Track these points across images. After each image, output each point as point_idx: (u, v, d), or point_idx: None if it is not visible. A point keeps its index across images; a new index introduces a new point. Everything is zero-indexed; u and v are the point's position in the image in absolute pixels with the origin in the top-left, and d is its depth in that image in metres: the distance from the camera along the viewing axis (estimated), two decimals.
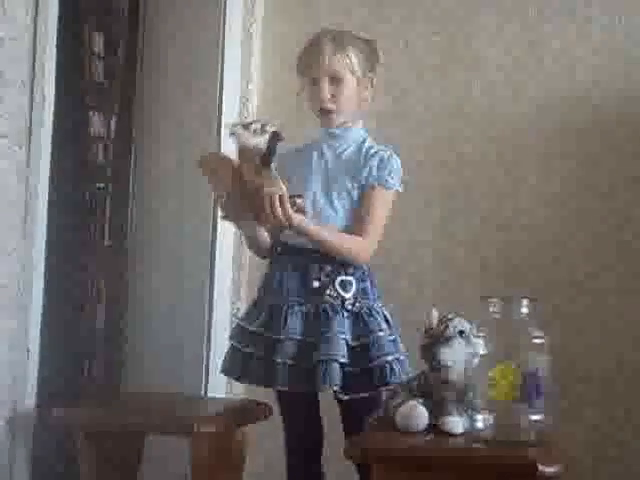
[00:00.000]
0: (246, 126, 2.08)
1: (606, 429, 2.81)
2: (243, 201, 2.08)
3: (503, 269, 2.88)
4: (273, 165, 2.06)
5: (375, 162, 2.18)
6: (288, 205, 2.05)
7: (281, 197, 2.04)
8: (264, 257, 2.28)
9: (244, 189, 2.07)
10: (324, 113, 2.21)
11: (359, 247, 2.16)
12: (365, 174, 2.17)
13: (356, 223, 2.17)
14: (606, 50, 2.87)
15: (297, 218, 2.08)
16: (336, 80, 2.18)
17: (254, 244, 2.25)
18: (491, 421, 1.83)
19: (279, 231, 2.20)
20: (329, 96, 2.19)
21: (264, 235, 2.22)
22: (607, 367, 2.81)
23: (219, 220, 2.92)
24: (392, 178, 2.18)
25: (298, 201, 2.09)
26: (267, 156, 2.04)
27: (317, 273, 2.15)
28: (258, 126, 2.06)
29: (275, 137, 2.05)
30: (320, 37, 2.21)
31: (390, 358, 2.13)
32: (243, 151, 2.07)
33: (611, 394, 2.81)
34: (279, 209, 2.03)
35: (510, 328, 1.87)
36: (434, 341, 1.91)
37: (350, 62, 2.18)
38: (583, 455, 2.76)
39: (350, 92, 2.19)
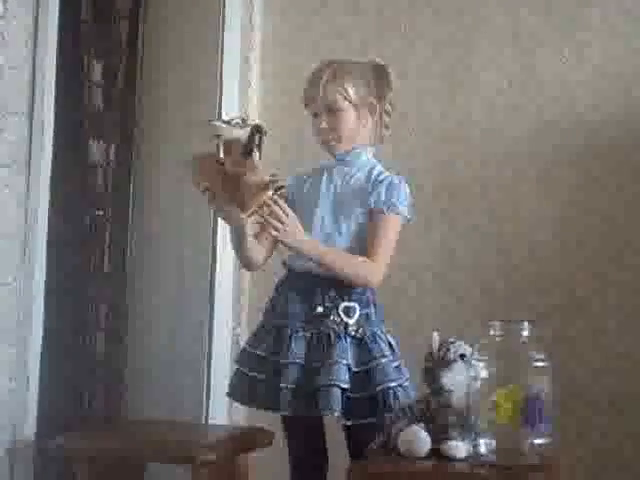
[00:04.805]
0: (227, 121, 2.11)
1: (609, 452, 2.79)
2: (225, 194, 2.08)
3: (504, 292, 2.88)
4: (256, 155, 2.07)
5: (383, 187, 2.18)
6: (270, 192, 2.05)
7: (264, 184, 2.04)
8: (251, 269, 2.29)
9: (227, 183, 2.08)
10: (326, 143, 2.23)
11: (367, 270, 2.15)
12: (373, 198, 2.18)
13: (366, 247, 2.17)
14: (602, 72, 2.88)
15: (295, 232, 2.08)
16: (334, 111, 2.20)
17: (243, 250, 2.20)
18: (493, 445, 1.83)
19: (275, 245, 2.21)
20: (327, 126, 2.20)
21: (253, 243, 2.20)
22: (609, 389, 2.80)
23: (218, 244, 2.95)
24: (401, 204, 2.18)
25: (282, 191, 2.11)
26: (248, 146, 2.06)
27: (321, 299, 2.15)
28: (239, 120, 2.10)
29: (257, 129, 2.08)
30: (319, 69, 2.22)
31: (393, 384, 2.11)
32: (226, 145, 2.09)
33: (614, 416, 2.79)
34: (262, 196, 2.04)
35: (511, 351, 1.87)
36: (435, 365, 1.91)
37: (346, 92, 2.19)
38: (586, 478, 2.74)
39: (350, 121, 2.21)
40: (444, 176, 2.97)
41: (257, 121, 2.10)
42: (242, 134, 2.08)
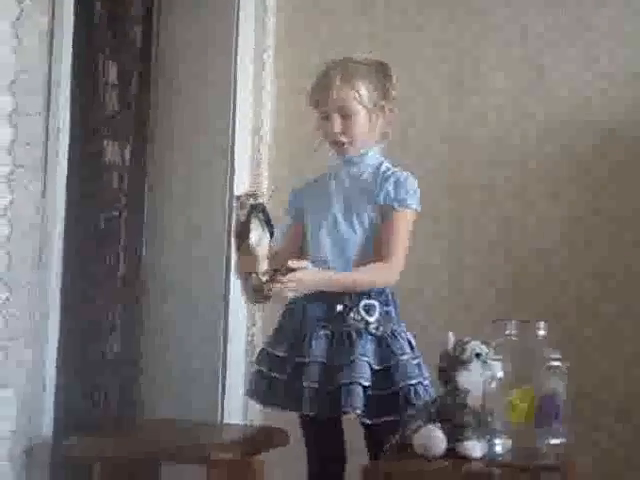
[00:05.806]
0: (237, 198, 2.08)
1: (619, 455, 2.77)
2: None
3: (512, 294, 2.86)
4: (252, 239, 2.02)
5: (391, 183, 2.19)
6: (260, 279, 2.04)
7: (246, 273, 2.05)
8: None
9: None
10: (337, 145, 2.23)
11: (384, 273, 2.16)
12: (383, 195, 2.19)
13: (379, 246, 2.17)
14: (611, 74, 2.86)
15: (305, 283, 2.07)
16: (347, 114, 2.20)
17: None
18: (509, 445, 1.82)
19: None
20: (340, 129, 2.20)
21: None
22: (619, 393, 2.77)
23: (233, 245, 2.95)
24: (410, 197, 2.19)
25: (290, 264, 2.05)
26: (241, 231, 2.03)
27: (341, 297, 2.15)
28: (243, 199, 2.05)
29: (252, 211, 2.02)
30: (328, 71, 2.22)
31: (414, 382, 2.11)
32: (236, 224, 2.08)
33: (624, 420, 2.77)
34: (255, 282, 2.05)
35: (527, 351, 1.86)
36: (451, 365, 1.90)
37: (359, 95, 2.19)
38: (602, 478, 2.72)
39: (361, 124, 2.21)
40: (452, 178, 2.96)
41: (255, 200, 2.03)
42: (240, 216, 2.04)
